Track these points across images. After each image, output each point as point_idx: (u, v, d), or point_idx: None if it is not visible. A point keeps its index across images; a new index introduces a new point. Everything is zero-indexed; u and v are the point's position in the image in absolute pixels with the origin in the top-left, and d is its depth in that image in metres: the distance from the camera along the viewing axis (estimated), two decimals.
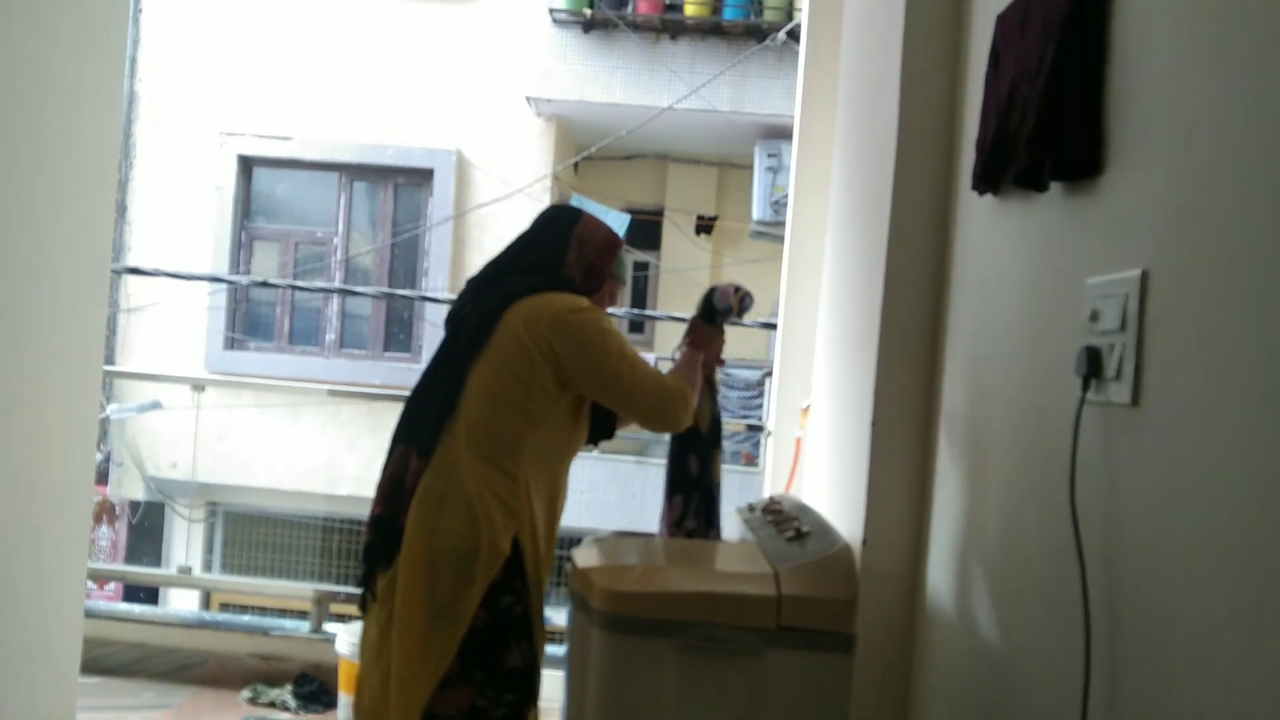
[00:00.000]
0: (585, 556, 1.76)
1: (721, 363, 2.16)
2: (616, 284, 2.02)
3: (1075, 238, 1.15)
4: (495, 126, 8.07)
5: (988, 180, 1.38)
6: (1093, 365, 1.04)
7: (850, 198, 2.12)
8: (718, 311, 2.14)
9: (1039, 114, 1.16)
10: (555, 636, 2.37)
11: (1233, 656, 0.82)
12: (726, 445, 8.22)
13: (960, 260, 1.57)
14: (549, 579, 1.87)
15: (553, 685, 1.89)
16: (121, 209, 8.08)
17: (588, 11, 7.53)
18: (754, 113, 7.66)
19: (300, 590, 3.87)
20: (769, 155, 7.71)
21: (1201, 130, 0.92)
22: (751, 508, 2.16)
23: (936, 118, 1.64)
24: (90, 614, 3.30)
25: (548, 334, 1.79)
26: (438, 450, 1.80)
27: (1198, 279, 0.90)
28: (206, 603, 7.54)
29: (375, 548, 1.85)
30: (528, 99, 7.88)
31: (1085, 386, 1.05)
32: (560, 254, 1.91)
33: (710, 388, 2.15)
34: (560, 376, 1.80)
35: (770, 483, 3.33)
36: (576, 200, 8.47)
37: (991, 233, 1.43)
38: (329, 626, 3.69)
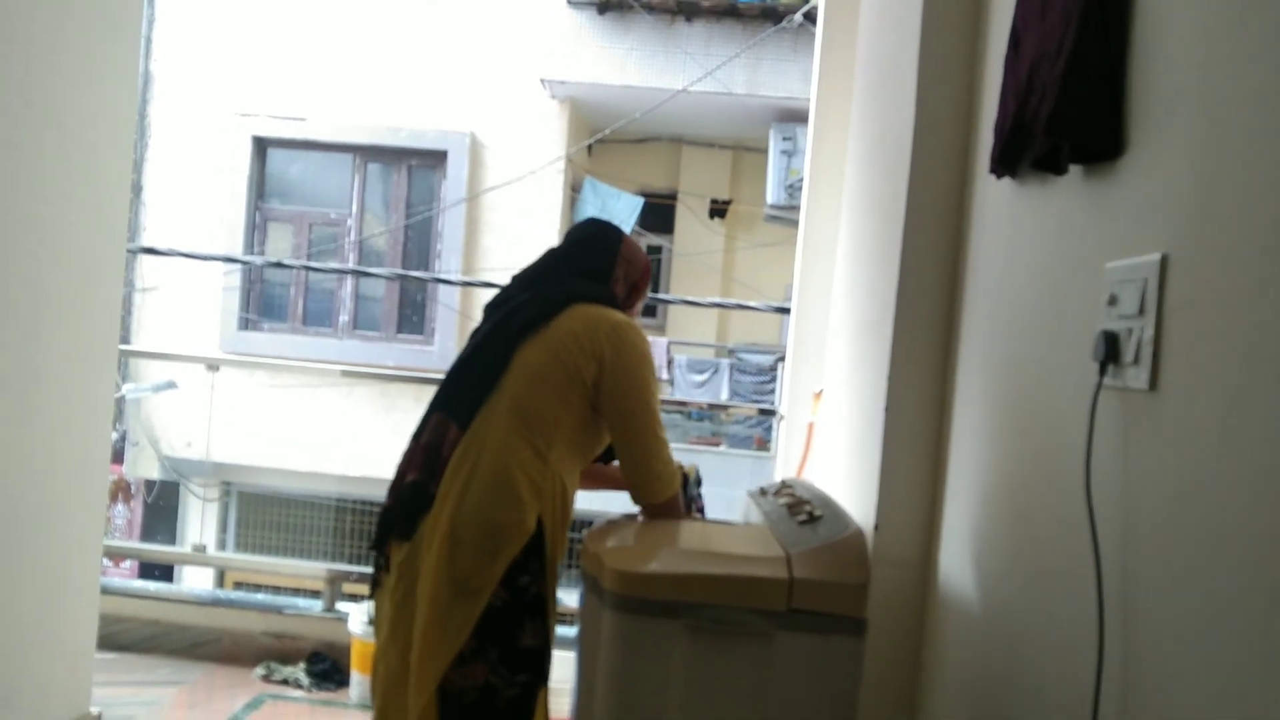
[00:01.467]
0: (597, 538, 1.76)
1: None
2: (641, 304, 2.14)
3: (1094, 221, 1.14)
4: (509, 108, 8.06)
5: (1006, 163, 1.36)
6: (1110, 350, 1.03)
7: (866, 181, 2.11)
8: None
9: (1058, 96, 1.14)
10: (566, 618, 2.38)
11: (1248, 646, 0.81)
12: (738, 429, 8.25)
13: (977, 244, 1.56)
14: (562, 562, 1.88)
15: (564, 666, 1.90)
16: (137, 189, 8.11)
17: None
18: (769, 95, 7.62)
19: (313, 570, 3.90)
20: (784, 138, 7.68)
21: (1223, 113, 0.90)
22: (764, 491, 2.16)
23: (954, 100, 1.63)
24: (106, 591, 3.34)
25: (604, 338, 1.84)
26: (474, 424, 1.81)
27: (1218, 264, 0.89)
28: (220, 581, 7.61)
29: (399, 512, 1.85)
30: (542, 81, 7.86)
31: (1102, 371, 1.05)
32: (610, 268, 2.01)
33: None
34: (597, 379, 1.84)
35: (782, 467, 3.33)
36: (590, 183, 8.45)
37: (1009, 216, 1.42)
38: (341, 606, 3.72)
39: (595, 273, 1.98)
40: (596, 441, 1.93)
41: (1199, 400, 0.91)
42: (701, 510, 2.16)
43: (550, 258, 2.03)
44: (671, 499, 1.92)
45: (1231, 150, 0.89)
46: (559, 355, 1.83)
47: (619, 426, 1.87)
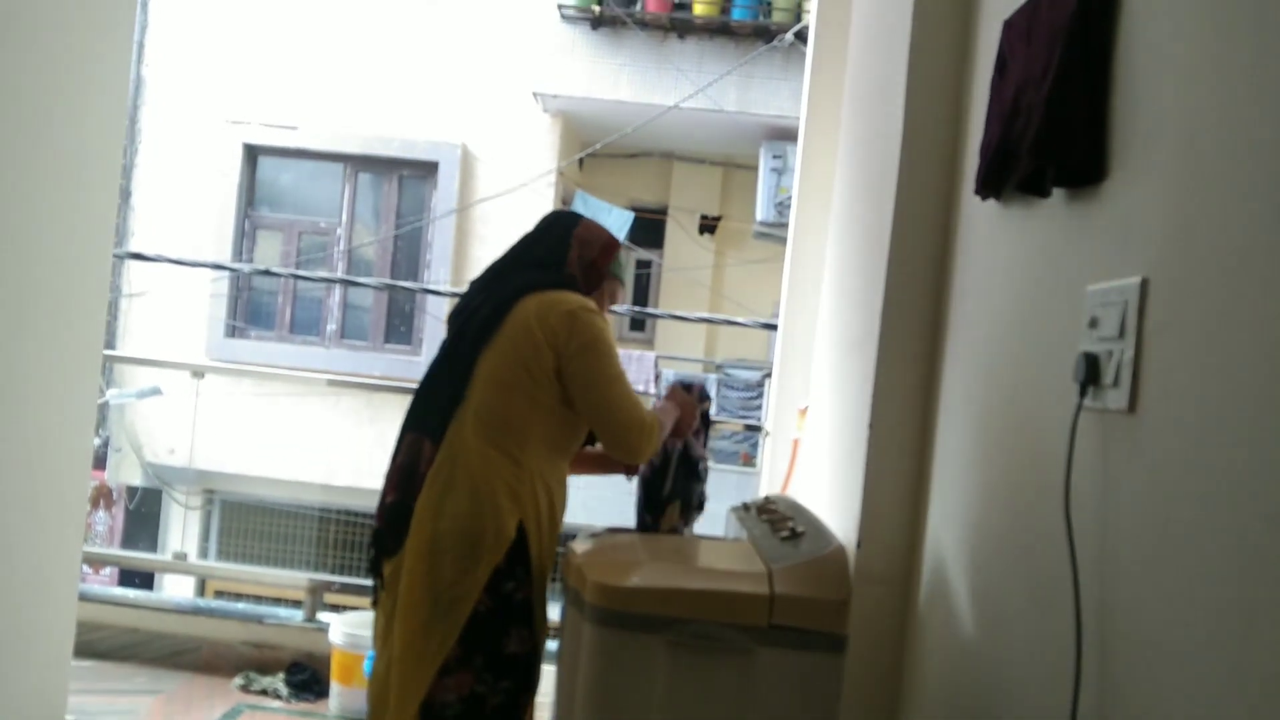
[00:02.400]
0: (579, 551, 1.76)
1: (697, 433, 2.15)
2: (616, 283, 2.06)
3: (1076, 244, 1.15)
4: (501, 121, 8.07)
5: (990, 185, 1.38)
6: (1091, 372, 1.04)
7: (853, 200, 2.12)
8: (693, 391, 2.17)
9: (1043, 120, 1.16)
10: (549, 632, 2.37)
11: (1225, 665, 0.82)
12: (724, 445, 8.25)
13: (961, 265, 1.57)
14: (551, 568, 1.88)
15: (546, 679, 1.90)
16: (125, 194, 8.08)
17: (596, 8, 7.52)
18: (760, 113, 7.66)
19: (295, 579, 3.87)
20: (774, 156, 7.71)
21: (1203, 139, 0.92)
22: (746, 507, 2.16)
23: (941, 122, 1.64)
24: (85, 598, 3.30)
25: (557, 324, 1.82)
26: (446, 436, 1.82)
27: (1197, 287, 0.90)
28: (201, 590, 7.54)
29: (385, 533, 1.85)
30: (534, 94, 7.88)
31: (1083, 393, 1.06)
32: (562, 253, 1.97)
33: (694, 470, 2.15)
34: (559, 366, 1.83)
35: (767, 483, 3.33)
36: (580, 197, 8.47)
37: (993, 238, 1.43)
38: (322, 616, 3.69)
39: (547, 261, 1.96)
40: (573, 434, 1.91)
41: (1177, 421, 0.92)
42: (706, 417, 2.16)
43: (504, 257, 2.02)
44: (654, 446, 1.92)
45: (1211, 175, 0.90)
46: (518, 356, 1.82)
47: (587, 401, 1.85)
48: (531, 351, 1.82)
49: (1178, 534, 0.90)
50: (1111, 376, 1.02)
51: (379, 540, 1.88)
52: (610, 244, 2.03)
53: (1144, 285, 0.98)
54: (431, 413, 1.86)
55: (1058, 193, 1.20)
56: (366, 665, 2.73)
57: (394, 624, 1.80)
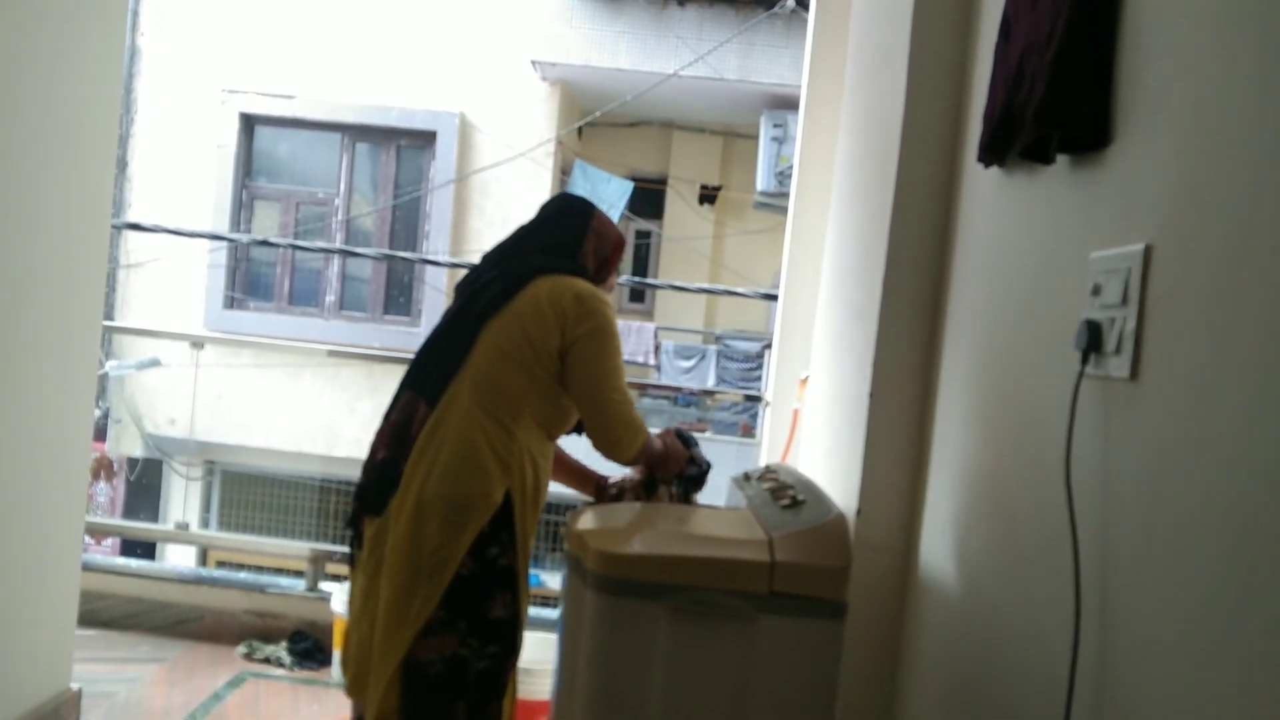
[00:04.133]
0: (581, 520, 1.77)
1: (680, 474, 2.16)
2: (616, 277, 2.15)
3: (1080, 211, 1.15)
4: (499, 90, 8.02)
5: (994, 152, 1.37)
6: (1093, 339, 1.04)
7: (855, 169, 2.11)
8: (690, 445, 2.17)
9: (1048, 86, 1.15)
10: (549, 600, 2.39)
11: (1221, 633, 0.82)
12: (724, 416, 8.27)
13: (964, 233, 1.57)
14: (534, 541, 1.91)
15: (545, 648, 1.91)
16: (122, 164, 8.04)
17: None
18: (760, 82, 7.60)
19: (296, 549, 3.89)
20: (775, 125, 7.67)
21: (1210, 105, 0.91)
22: (747, 476, 2.17)
23: (944, 89, 1.63)
24: (87, 568, 3.33)
25: (569, 305, 1.87)
26: (442, 400, 1.84)
27: (1202, 255, 0.90)
28: (203, 560, 7.59)
29: (370, 490, 1.88)
30: (533, 62, 7.82)
31: (1084, 360, 1.05)
32: (579, 241, 2.02)
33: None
34: (564, 347, 1.86)
35: (767, 453, 3.34)
36: (579, 166, 8.42)
37: (996, 205, 1.43)
38: (324, 585, 3.72)
39: (563, 247, 2.00)
40: (563, 416, 1.94)
41: (1179, 390, 0.92)
42: (696, 467, 2.17)
43: (519, 235, 2.04)
44: (639, 454, 1.95)
45: (1217, 141, 0.89)
46: (525, 329, 1.85)
47: (581, 389, 1.89)
48: (538, 329, 1.85)
49: (1178, 501, 0.90)
50: (1114, 344, 1.01)
51: (363, 495, 1.90)
52: (621, 240, 2.11)
53: (1147, 252, 0.98)
54: (430, 375, 1.88)
55: (1062, 159, 1.19)
56: None
57: (377, 585, 1.82)
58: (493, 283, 1.91)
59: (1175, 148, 0.96)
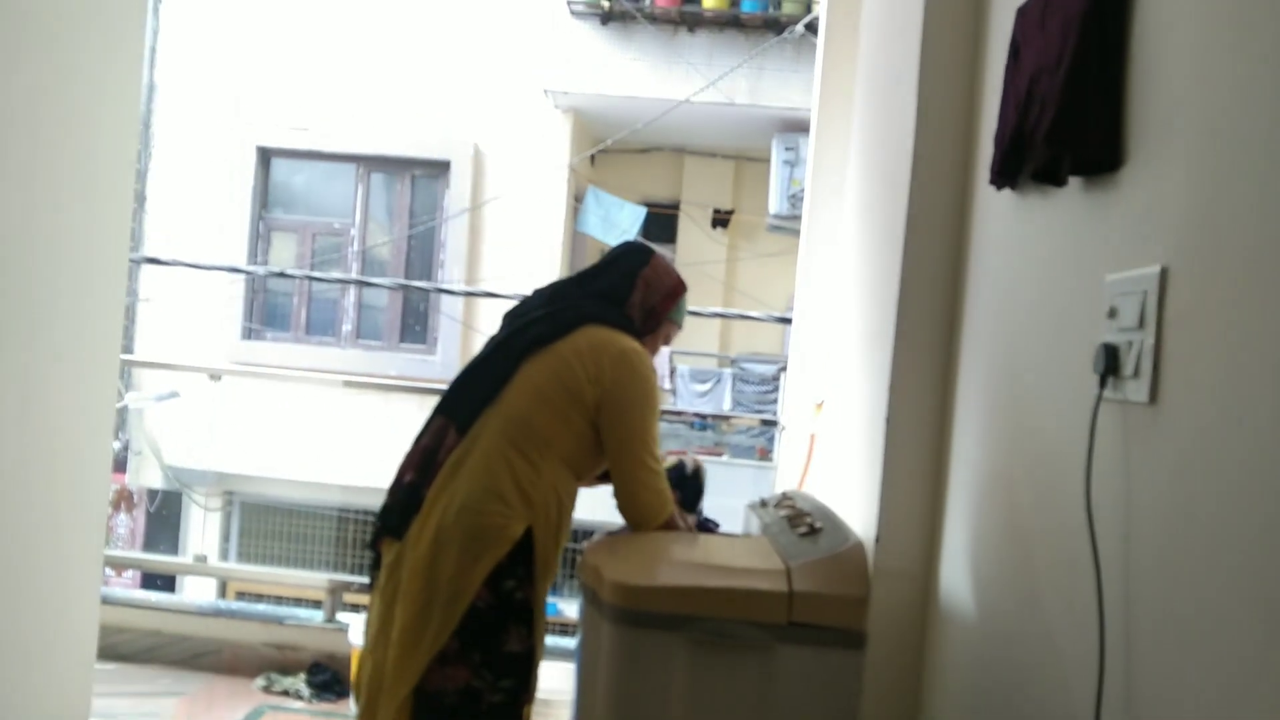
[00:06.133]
0: (596, 550, 1.76)
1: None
2: (673, 327, 2.12)
3: (1094, 233, 1.14)
4: (512, 119, 8.07)
5: (1006, 175, 1.36)
6: (1110, 363, 1.03)
7: (867, 192, 2.10)
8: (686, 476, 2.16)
9: (1058, 108, 1.14)
10: (566, 629, 2.38)
11: (1248, 660, 0.80)
12: (740, 440, 8.23)
13: (977, 256, 1.56)
14: (556, 574, 1.89)
15: (562, 678, 1.90)
16: (140, 198, 8.12)
17: (606, 3, 7.52)
18: (771, 106, 7.63)
19: (315, 580, 3.89)
20: (786, 149, 7.68)
21: (1223, 125, 0.90)
22: (764, 503, 2.16)
23: (955, 111, 1.63)
24: (107, 601, 3.33)
25: (608, 362, 1.85)
26: (471, 430, 1.84)
27: (1218, 276, 0.89)
28: (222, 591, 7.59)
29: (393, 511, 1.88)
30: (545, 91, 7.87)
31: (1102, 384, 1.04)
32: (626, 292, 2.00)
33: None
34: (598, 401, 1.85)
35: (784, 478, 3.32)
36: (592, 193, 8.46)
37: (1009, 228, 1.42)
38: (342, 616, 3.71)
39: (611, 294, 1.99)
40: (592, 462, 1.93)
41: (1198, 413, 0.90)
42: (697, 515, 2.14)
43: (577, 276, 2.05)
44: (663, 525, 1.92)
45: (1230, 161, 0.88)
46: (561, 375, 1.85)
47: (613, 452, 1.88)
48: (575, 379, 1.84)
49: (1200, 526, 0.88)
50: (1132, 367, 1.00)
51: (385, 516, 1.90)
52: (675, 289, 2.06)
53: (1163, 274, 0.97)
54: (464, 402, 1.88)
55: (1074, 181, 1.19)
56: None
57: (393, 611, 1.82)
58: (540, 321, 1.91)
59: (1188, 168, 0.95)
